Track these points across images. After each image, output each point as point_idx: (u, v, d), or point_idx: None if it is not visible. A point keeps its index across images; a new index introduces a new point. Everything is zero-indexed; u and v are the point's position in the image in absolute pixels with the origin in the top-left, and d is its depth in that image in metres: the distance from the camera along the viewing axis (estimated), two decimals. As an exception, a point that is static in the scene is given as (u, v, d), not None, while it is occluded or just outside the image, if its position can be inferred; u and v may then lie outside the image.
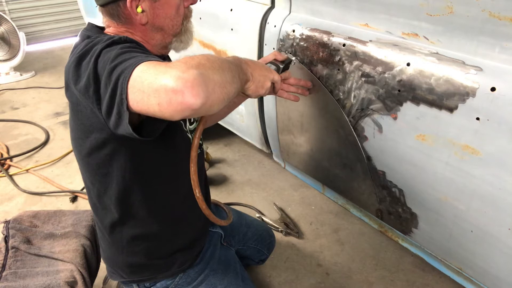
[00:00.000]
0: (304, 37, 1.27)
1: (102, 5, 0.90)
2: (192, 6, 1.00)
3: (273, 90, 1.03)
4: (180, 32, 0.97)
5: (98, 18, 0.99)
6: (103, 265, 1.30)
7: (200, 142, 1.15)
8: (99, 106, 0.73)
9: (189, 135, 1.04)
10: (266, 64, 1.07)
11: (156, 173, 0.97)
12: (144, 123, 0.75)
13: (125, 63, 0.68)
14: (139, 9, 0.87)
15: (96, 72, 0.72)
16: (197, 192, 0.87)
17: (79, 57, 0.77)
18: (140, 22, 0.89)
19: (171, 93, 0.61)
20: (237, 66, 0.80)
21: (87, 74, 0.73)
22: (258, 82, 0.88)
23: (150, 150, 0.92)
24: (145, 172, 0.95)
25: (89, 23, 0.95)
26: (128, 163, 0.91)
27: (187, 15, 0.98)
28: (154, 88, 0.62)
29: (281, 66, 1.08)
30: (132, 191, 0.95)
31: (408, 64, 1.00)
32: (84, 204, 2.09)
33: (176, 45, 0.99)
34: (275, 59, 1.09)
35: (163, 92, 0.61)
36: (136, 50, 0.76)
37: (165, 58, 1.07)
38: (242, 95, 0.92)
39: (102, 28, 0.95)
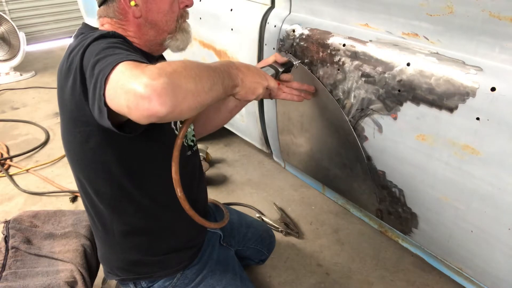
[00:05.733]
0: (304, 37, 1.26)
1: (101, 5, 0.95)
2: (193, 6, 1.01)
3: (269, 95, 1.02)
4: (174, 29, 0.98)
5: (97, 18, 1.01)
6: (103, 265, 1.31)
7: (193, 142, 1.15)
8: (86, 97, 0.77)
9: (177, 132, 1.03)
10: (265, 67, 1.05)
11: (142, 169, 0.97)
12: (127, 120, 0.75)
13: (107, 59, 0.71)
14: (132, 3, 0.91)
15: (81, 64, 0.76)
16: (179, 192, 0.84)
17: (71, 52, 0.82)
18: (133, 15, 0.92)
19: (139, 98, 0.62)
20: (224, 72, 0.79)
21: (74, 66, 0.78)
22: (248, 89, 0.88)
23: (134, 145, 0.93)
24: (131, 168, 0.95)
25: (83, 23, 0.98)
26: (113, 158, 0.92)
27: (182, 15, 1.00)
28: (125, 90, 0.64)
29: (280, 70, 1.05)
30: (120, 188, 0.96)
31: (408, 64, 1.00)
32: (84, 204, 2.09)
33: (172, 43, 1.00)
34: (275, 62, 1.07)
35: (132, 96, 0.63)
36: (121, 46, 0.79)
37: (158, 59, 1.06)
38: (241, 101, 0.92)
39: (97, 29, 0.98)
